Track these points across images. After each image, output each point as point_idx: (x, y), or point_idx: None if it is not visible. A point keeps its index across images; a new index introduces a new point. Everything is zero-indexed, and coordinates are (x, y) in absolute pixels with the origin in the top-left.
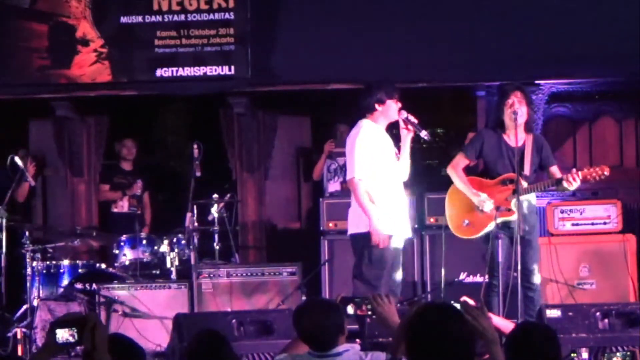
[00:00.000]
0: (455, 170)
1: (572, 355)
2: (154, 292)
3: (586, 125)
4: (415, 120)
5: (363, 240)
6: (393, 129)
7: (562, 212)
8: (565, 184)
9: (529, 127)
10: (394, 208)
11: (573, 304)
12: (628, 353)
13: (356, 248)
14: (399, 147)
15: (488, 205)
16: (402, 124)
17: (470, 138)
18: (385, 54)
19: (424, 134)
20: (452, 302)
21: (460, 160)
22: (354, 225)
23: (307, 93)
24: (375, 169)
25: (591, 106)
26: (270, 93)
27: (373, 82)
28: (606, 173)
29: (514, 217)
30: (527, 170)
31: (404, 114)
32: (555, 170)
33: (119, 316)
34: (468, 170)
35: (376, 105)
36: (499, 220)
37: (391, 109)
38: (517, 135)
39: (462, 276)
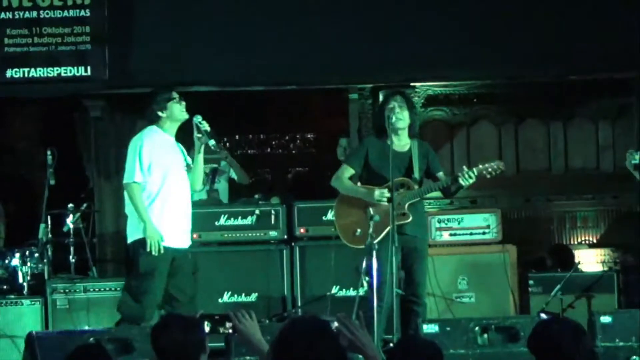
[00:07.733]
0: (341, 179)
1: None
2: (4, 309)
3: (464, 130)
4: (207, 128)
5: (136, 248)
6: None
7: (439, 221)
8: (461, 180)
9: (412, 132)
10: (172, 216)
11: (451, 318)
12: None
13: (132, 256)
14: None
15: (384, 195)
16: (195, 130)
17: (353, 147)
18: (251, 54)
19: (211, 143)
20: (324, 317)
21: (345, 171)
22: (132, 232)
23: None
24: (154, 174)
25: (469, 110)
26: (128, 95)
27: (151, 91)
28: (502, 168)
29: (409, 220)
30: (416, 174)
31: (199, 117)
32: (441, 176)
33: None
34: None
35: (159, 113)
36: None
37: (175, 111)
38: (400, 140)
39: (334, 290)
